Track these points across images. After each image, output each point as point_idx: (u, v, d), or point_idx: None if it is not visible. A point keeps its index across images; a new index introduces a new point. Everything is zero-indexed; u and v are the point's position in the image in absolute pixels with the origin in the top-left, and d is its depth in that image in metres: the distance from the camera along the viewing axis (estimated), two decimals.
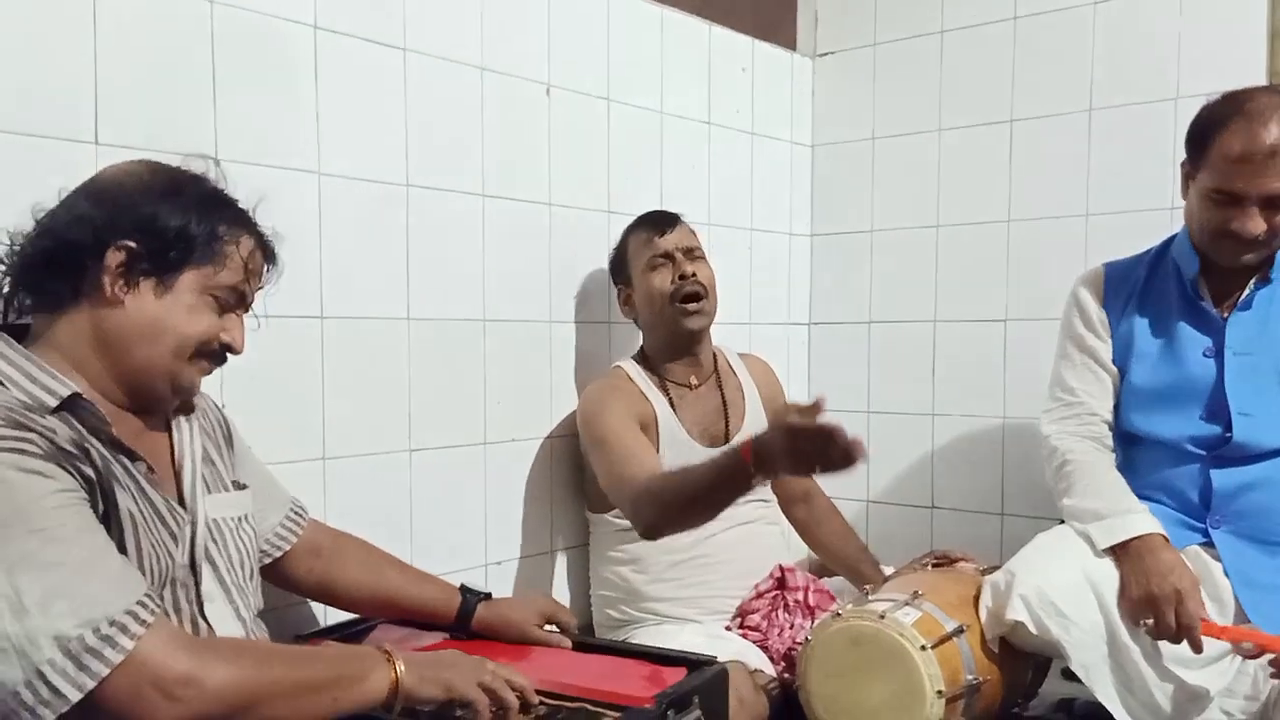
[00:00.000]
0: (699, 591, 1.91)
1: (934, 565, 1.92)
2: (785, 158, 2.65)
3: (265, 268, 1.20)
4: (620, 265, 2.04)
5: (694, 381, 2.01)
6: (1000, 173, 2.39)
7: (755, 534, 1.99)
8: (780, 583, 1.93)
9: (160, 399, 1.14)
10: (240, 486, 1.26)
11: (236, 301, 1.16)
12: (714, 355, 2.07)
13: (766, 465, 1.47)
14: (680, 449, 1.92)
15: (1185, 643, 1.51)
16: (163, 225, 1.09)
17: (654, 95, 2.27)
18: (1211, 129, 1.62)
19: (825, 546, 2.18)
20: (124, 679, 0.91)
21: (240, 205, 1.17)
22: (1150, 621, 1.53)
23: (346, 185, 1.69)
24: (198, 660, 0.95)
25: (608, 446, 1.84)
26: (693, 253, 1.97)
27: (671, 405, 1.96)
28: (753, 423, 2.05)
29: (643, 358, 2.03)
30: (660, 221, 1.99)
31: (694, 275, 1.93)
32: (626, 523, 1.91)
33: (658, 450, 1.89)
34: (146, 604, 0.95)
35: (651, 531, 1.71)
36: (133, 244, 1.07)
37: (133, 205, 1.09)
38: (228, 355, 1.17)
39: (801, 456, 1.41)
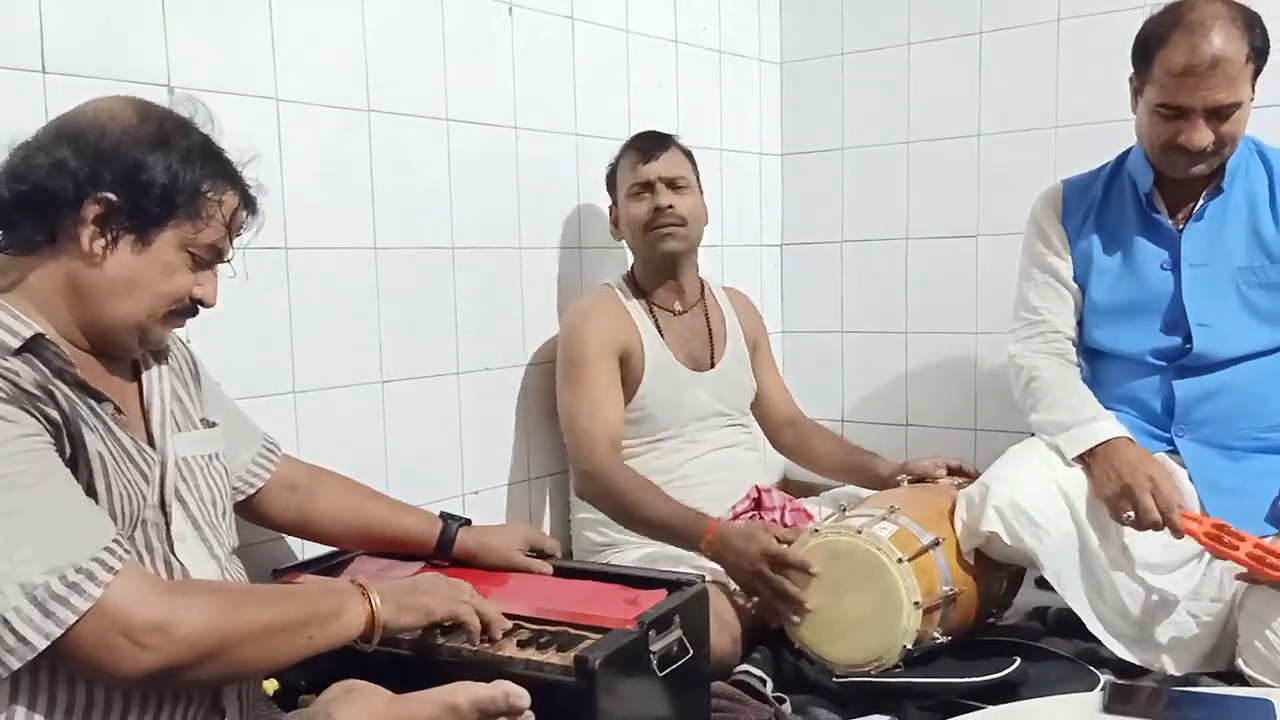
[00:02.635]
0: None
1: (910, 481, 1.94)
2: (754, 76, 2.60)
3: (246, 221, 1.16)
4: (612, 184, 2.03)
5: (678, 307, 2.03)
6: (970, 86, 2.36)
7: (735, 458, 2.02)
8: (757, 503, 1.94)
9: (126, 349, 1.12)
10: (209, 424, 1.23)
11: (214, 258, 1.12)
12: (700, 284, 2.08)
13: (717, 554, 1.65)
14: (665, 371, 1.95)
15: (1167, 530, 1.53)
16: (146, 179, 1.03)
17: (619, 13, 2.21)
18: (1154, 43, 1.61)
19: (822, 458, 2.16)
20: (92, 626, 0.89)
21: (227, 157, 1.12)
22: (1132, 514, 1.54)
23: (305, 111, 1.64)
24: (167, 606, 0.93)
25: (576, 386, 1.87)
26: (675, 183, 1.94)
27: (658, 328, 1.98)
28: (733, 353, 2.06)
29: (631, 279, 2.04)
30: (647, 147, 1.96)
31: (670, 208, 1.92)
32: None
33: (642, 373, 1.92)
34: (114, 550, 0.93)
35: (583, 496, 1.86)
36: (112, 196, 1.02)
37: (115, 155, 1.02)
38: (199, 309, 1.14)
39: (743, 578, 1.62)
